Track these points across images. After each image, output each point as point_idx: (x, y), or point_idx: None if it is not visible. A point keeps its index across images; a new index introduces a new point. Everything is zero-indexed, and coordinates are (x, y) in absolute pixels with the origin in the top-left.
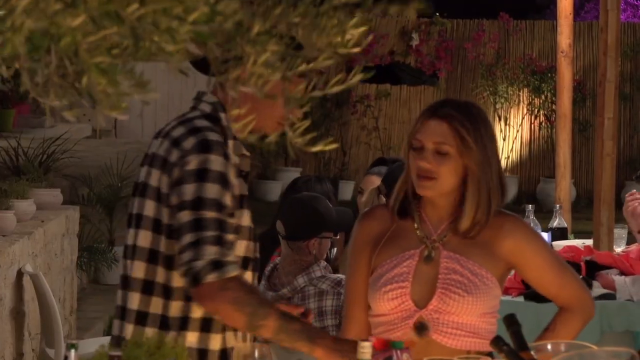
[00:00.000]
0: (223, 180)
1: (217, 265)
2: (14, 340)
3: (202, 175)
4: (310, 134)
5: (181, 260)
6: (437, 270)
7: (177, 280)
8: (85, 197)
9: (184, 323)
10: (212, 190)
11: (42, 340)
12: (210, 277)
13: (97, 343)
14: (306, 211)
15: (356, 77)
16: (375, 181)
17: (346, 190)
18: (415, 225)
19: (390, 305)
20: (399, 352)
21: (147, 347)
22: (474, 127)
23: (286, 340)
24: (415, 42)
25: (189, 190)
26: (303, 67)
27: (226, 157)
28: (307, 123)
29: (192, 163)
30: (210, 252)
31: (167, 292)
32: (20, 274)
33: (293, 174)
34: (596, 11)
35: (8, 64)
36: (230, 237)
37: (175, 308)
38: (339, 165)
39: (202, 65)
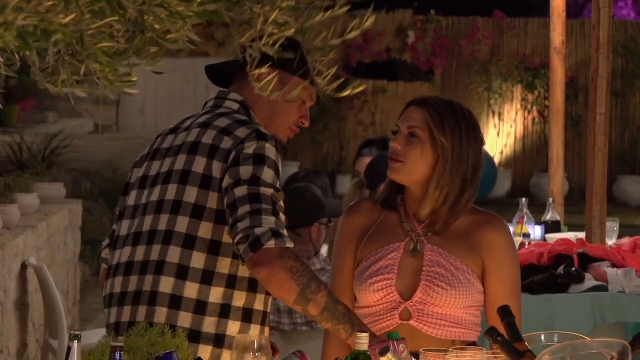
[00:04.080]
0: (276, 169)
1: (276, 233)
2: (18, 331)
3: (259, 159)
4: (337, 82)
5: (237, 229)
6: (422, 263)
7: (221, 266)
8: (87, 191)
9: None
10: (267, 173)
11: (45, 331)
12: (270, 243)
13: (99, 334)
14: (305, 199)
15: (369, 20)
16: (368, 162)
17: (344, 183)
18: (401, 218)
19: (376, 296)
20: (395, 342)
21: (149, 338)
22: (451, 117)
23: (330, 319)
24: (411, 39)
25: (245, 171)
26: (320, 17)
27: (277, 149)
28: (333, 70)
29: (250, 147)
30: (269, 221)
31: (207, 277)
32: (24, 267)
33: (291, 168)
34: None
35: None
36: (282, 216)
37: (208, 293)
38: (337, 159)
39: (213, 75)
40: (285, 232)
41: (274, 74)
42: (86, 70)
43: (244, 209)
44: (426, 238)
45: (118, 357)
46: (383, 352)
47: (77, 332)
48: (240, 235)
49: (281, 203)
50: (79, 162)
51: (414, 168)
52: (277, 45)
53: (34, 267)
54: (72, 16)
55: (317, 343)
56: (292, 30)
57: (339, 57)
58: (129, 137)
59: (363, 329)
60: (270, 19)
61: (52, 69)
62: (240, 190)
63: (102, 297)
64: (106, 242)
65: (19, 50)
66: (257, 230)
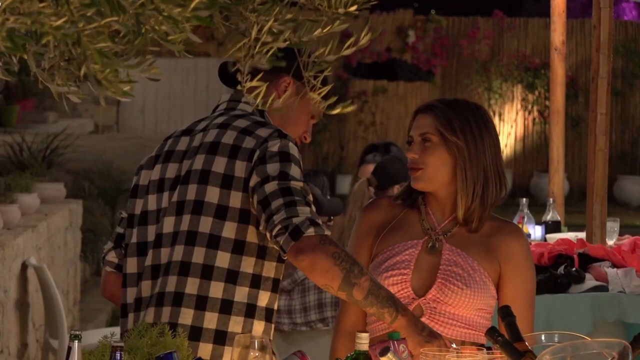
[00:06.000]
0: (300, 167)
1: (313, 222)
2: (19, 331)
3: (285, 156)
4: (330, 99)
5: (274, 222)
6: (439, 261)
7: (245, 266)
8: (87, 191)
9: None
10: (295, 170)
11: (46, 331)
12: (310, 231)
13: (100, 334)
14: None
15: (365, 38)
16: (372, 169)
17: (344, 183)
18: (421, 216)
19: (391, 290)
20: (395, 342)
21: (149, 338)
22: (459, 116)
23: (375, 303)
24: (411, 39)
25: (273, 168)
26: (318, 33)
27: (298, 149)
28: (328, 88)
29: (275, 146)
30: (305, 211)
31: (232, 276)
32: (24, 267)
33: None
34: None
35: (14, 52)
36: (314, 208)
37: (233, 292)
38: (337, 160)
39: (226, 77)
40: (320, 221)
41: (264, 85)
42: (86, 72)
43: (277, 202)
44: (445, 238)
45: (118, 357)
46: (383, 352)
47: (77, 332)
48: (279, 227)
49: (310, 197)
50: (79, 162)
51: (435, 172)
52: (269, 55)
53: (34, 267)
54: (63, 19)
55: (316, 343)
56: (287, 42)
57: (340, 58)
58: (129, 137)
59: (406, 312)
60: (266, 28)
61: (47, 74)
62: (271, 186)
63: (121, 305)
64: (109, 245)
65: (9, 52)
66: (295, 220)
